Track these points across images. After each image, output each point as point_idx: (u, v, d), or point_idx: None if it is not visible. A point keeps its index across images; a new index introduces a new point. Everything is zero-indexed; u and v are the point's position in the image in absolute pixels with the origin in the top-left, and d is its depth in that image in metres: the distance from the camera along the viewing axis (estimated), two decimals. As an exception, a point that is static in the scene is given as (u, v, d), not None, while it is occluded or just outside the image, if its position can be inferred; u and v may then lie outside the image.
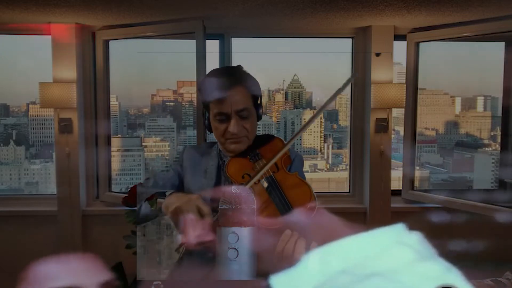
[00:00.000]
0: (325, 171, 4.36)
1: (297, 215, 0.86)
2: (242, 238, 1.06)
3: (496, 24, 2.55)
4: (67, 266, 0.71)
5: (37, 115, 4.23)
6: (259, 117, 1.46)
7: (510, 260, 2.36)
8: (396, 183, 3.09)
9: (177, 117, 4.27)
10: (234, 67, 1.48)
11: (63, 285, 0.69)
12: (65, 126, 2.83)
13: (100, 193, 3.05)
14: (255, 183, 1.23)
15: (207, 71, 2.68)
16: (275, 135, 1.46)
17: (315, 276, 0.51)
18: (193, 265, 1.34)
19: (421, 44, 2.91)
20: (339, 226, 0.68)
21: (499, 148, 3.23)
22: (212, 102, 1.39)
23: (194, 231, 1.06)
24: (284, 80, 4.57)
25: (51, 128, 3.56)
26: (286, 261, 0.85)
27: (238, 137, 1.38)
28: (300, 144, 4.45)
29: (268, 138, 1.43)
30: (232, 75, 1.41)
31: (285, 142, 1.41)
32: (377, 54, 1.33)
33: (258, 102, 1.45)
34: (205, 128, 1.50)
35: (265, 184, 1.25)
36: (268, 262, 0.89)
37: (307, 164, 4.21)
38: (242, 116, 1.37)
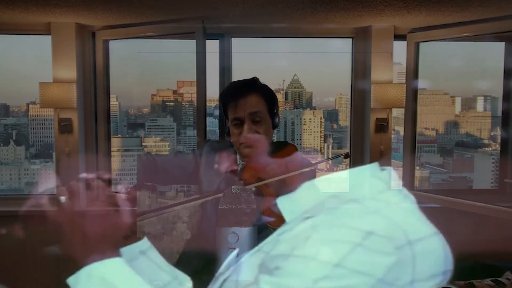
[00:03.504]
0: (325, 171, 4.36)
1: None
2: (242, 238, 1.07)
3: (496, 24, 2.55)
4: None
5: (37, 115, 4.24)
6: (274, 126, 1.55)
7: (510, 260, 2.36)
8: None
9: (177, 117, 4.28)
10: (250, 78, 1.60)
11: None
12: (65, 126, 2.83)
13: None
14: (265, 185, 1.25)
15: (207, 71, 2.69)
16: (289, 142, 1.52)
17: (313, 198, 0.69)
18: None
19: (421, 44, 2.91)
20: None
21: (499, 148, 3.23)
22: (229, 109, 1.51)
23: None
24: (284, 80, 4.58)
25: (51, 128, 3.56)
26: None
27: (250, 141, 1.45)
28: (300, 144, 4.45)
29: (281, 145, 1.50)
30: (247, 84, 1.53)
31: (297, 148, 1.47)
32: (346, 156, 1.44)
33: (275, 111, 1.54)
34: (226, 136, 1.60)
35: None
36: None
37: (307, 164, 4.20)
38: (255, 120, 1.47)
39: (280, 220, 0.94)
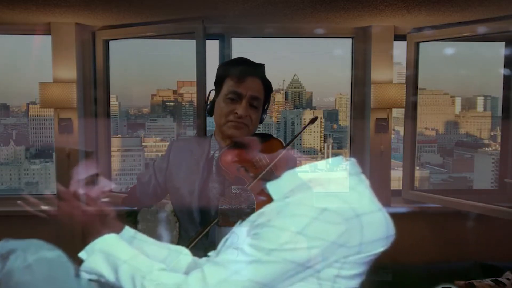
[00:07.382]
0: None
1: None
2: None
3: (496, 24, 2.55)
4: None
5: (37, 115, 4.24)
6: (261, 120, 1.50)
7: (510, 260, 2.36)
8: (396, 183, 3.08)
9: (177, 117, 4.28)
10: (260, 63, 1.53)
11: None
12: (65, 126, 2.83)
13: (100, 193, 3.05)
14: (252, 177, 1.22)
15: (207, 71, 2.68)
16: (275, 136, 1.46)
17: (294, 182, 0.91)
18: None
19: (421, 44, 2.90)
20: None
21: (499, 148, 3.22)
22: (229, 80, 1.43)
23: None
24: (284, 80, 4.58)
25: (51, 128, 3.56)
26: None
27: (241, 122, 1.39)
28: (300, 144, 4.45)
29: (266, 137, 1.43)
30: (258, 68, 1.48)
31: (284, 144, 1.41)
32: (312, 121, 1.43)
33: (265, 107, 1.50)
34: (206, 111, 1.53)
35: (265, 184, 1.25)
36: None
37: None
38: (252, 104, 1.41)
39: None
